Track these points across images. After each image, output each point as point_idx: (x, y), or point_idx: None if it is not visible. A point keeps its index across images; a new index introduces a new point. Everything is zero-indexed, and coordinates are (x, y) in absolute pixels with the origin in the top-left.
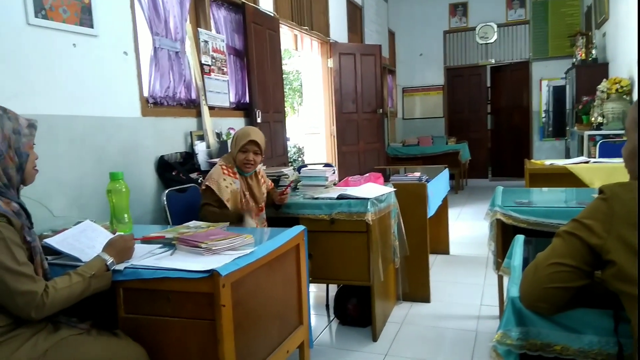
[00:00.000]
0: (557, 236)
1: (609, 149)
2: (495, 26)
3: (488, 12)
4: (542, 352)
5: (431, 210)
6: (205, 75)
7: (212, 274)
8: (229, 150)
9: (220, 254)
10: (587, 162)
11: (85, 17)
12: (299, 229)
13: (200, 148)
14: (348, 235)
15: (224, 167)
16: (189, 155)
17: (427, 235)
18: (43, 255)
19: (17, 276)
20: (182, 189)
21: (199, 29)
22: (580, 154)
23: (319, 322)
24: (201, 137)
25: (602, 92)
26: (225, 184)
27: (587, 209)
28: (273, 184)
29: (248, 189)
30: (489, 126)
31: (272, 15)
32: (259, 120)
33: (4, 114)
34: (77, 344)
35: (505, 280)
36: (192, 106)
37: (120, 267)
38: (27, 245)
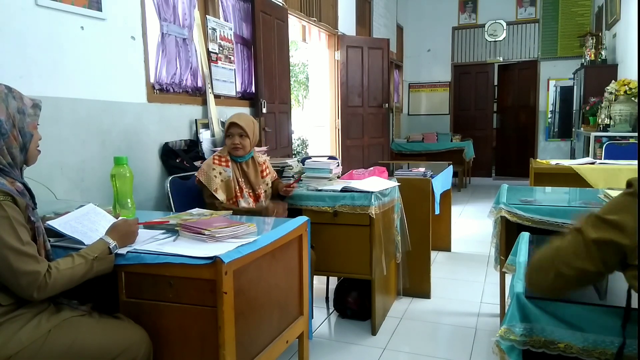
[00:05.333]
0: (578, 234)
1: (615, 151)
2: (504, 24)
3: (498, 9)
4: (545, 349)
5: (436, 207)
6: (212, 63)
7: (215, 260)
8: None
9: (223, 241)
10: (592, 163)
11: (93, 0)
12: (302, 219)
13: (204, 136)
14: (351, 228)
15: (216, 157)
16: (194, 143)
17: (429, 231)
18: (46, 236)
19: (20, 256)
20: (186, 177)
21: (207, 16)
22: (586, 155)
23: (319, 315)
24: (206, 125)
25: (611, 93)
26: (214, 174)
27: (614, 206)
28: (277, 176)
29: (243, 175)
30: (494, 125)
31: (281, 5)
32: (264, 110)
33: (9, 93)
34: (80, 325)
35: (508, 277)
36: (197, 94)
37: (123, 251)
38: (30, 225)
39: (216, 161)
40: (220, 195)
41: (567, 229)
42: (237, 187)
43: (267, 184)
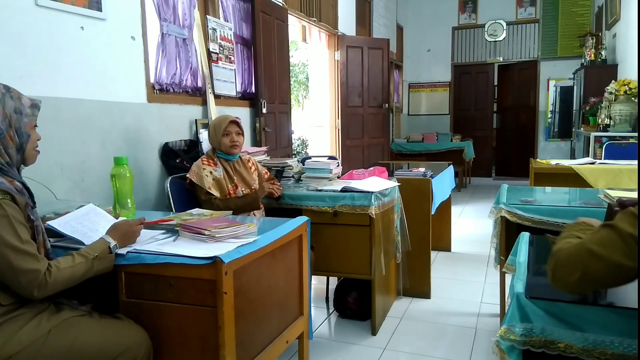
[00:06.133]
0: (612, 229)
1: (615, 151)
2: (504, 24)
3: (498, 9)
4: (545, 349)
5: (433, 207)
6: (212, 63)
7: (215, 260)
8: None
9: (223, 241)
10: (592, 164)
11: (93, 0)
12: (302, 219)
13: (204, 136)
14: (351, 229)
15: (204, 159)
16: (194, 143)
17: (429, 231)
18: (45, 235)
19: (20, 254)
20: (186, 177)
21: (207, 16)
22: (586, 155)
23: (319, 315)
24: (206, 126)
25: (611, 93)
26: (205, 173)
27: None
28: (268, 173)
29: (236, 173)
30: (494, 125)
31: (281, 5)
32: (264, 110)
33: (7, 93)
34: (81, 325)
35: (508, 277)
36: (197, 94)
37: (123, 251)
38: (30, 224)
39: (205, 162)
40: (215, 193)
41: (595, 228)
42: (230, 185)
43: (256, 180)
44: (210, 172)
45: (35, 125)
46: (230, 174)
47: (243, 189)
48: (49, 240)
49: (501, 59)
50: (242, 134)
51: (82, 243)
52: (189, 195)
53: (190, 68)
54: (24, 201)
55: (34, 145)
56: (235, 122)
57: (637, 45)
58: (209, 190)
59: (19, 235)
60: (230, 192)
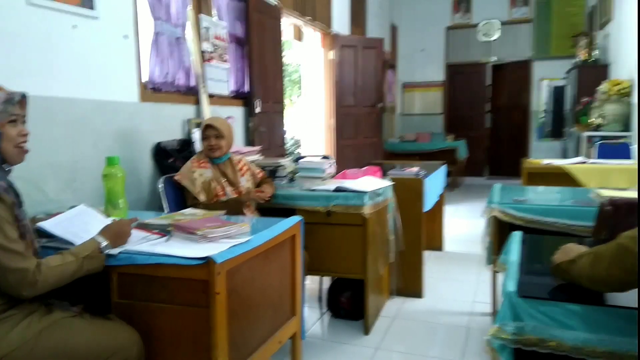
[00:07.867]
0: None
1: (607, 151)
2: (498, 24)
3: (491, 9)
4: (536, 347)
5: (426, 205)
6: (205, 63)
7: (208, 261)
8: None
9: (216, 241)
10: (584, 163)
11: None
12: (295, 219)
13: (197, 136)
14: (344, 228)
15: (194, 160)
16: (186, 143)
17: (422, 231)
18: (34, 234)
19: (8, 253)
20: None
21: (200, 15)
22: (578, 154)
23: (312, 315)
24: (199, 125)
25: (603, 93)
26: (195, 176)
27: None
28: (263, 173)
29: (223, 175)
30: (487, 124)
31: (274, 4)
32: (258, 109)
33: None
34: (72, 326)
35: (499, 277)
36: (190, 93)
37: (115, 252)
38: (17, 224)
39: (195, 164)
40: (202, 197)
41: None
42: (219, 187)
43: (247, 181)
44: (200, 175)
45: (13, 121)
46: (218, 176)
47: (231, 189)
48: (40, 241)
49: (495, 59)
50: (222, 136)
51: (73, 244)
52: (181, 195)
53: (184, 67)
54: (11, 200)
55: (13, 143)
56: (211, 126)
57: (638, 45)
58: (197, 195)
59: (6, 234)
60: (218, 193)
